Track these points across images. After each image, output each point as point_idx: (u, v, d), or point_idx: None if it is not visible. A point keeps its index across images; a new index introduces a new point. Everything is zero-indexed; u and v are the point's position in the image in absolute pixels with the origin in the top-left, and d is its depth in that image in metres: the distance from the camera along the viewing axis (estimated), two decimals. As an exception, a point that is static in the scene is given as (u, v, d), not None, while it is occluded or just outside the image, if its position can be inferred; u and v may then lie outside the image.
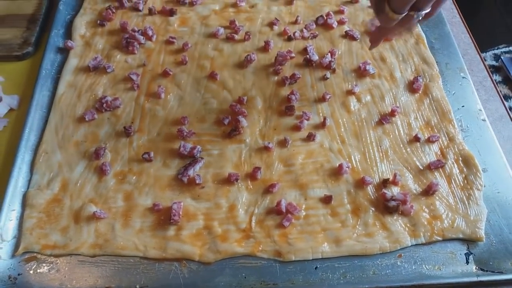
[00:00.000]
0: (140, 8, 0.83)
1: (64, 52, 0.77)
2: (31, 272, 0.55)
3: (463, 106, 0.72)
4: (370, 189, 0.63)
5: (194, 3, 0.84)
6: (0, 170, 0.63)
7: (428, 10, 0.54)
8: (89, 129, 0.68)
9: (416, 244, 0.59)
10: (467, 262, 0.58)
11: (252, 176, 0.63)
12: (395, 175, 0.63)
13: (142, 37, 0.78)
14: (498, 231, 0.60)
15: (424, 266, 0.57)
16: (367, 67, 0.75)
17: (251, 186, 0.63)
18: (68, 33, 0.79)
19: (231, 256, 0.57)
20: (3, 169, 0.63)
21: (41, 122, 0.68)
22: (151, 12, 0.82)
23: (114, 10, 0.82)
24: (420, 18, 0.55)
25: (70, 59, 0.75)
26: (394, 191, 0.62)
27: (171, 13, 0.82)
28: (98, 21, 0.80)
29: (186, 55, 0.77)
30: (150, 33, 0.78)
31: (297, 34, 0.80)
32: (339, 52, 0.78)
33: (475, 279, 0.56)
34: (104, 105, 0.69)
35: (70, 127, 0.68)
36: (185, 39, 0.79)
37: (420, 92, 0.74)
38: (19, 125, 0.67)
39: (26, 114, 0.68)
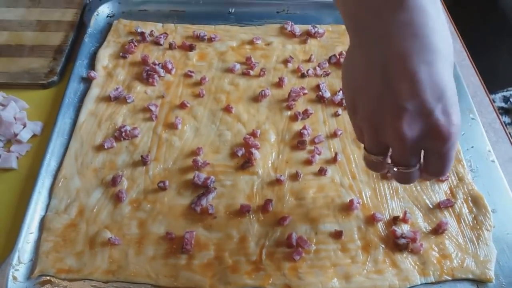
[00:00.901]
0: (161, 42, 0.87)
1: (87, 82, 0.80)
2: (45, 295, 0.56)
3: (472, 147, 0.73)
4: (380, 225, 0.64)
5: (213, 39, 0.88)
6: (21, 194, 0.65)
7: (410, 169, 0.44)
8: (107, 156, 0.70)
9: (425, 283, 0.59)
10: (477, 304, 0.58)
11: (263, 208, 0.65)
12: (405, 213, 0.64)
13: (162, 70, 0.81)
14: (507, 273, 0.60)
15: (433, 305, 0.57)
16: (378, 106, 0.77)
17: (263, 218, 0.64)
18: (91, 64, 0.83)
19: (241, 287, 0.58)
20: (24, 193, 0.65)
21: (62, 148, 0.71)
22: (171, 46, 0.86)
23: (136, 44, 0.86)
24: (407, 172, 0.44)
25: (92, 89, 0.78)
26: (404, 228, 0.63)
27: (191, 48, 0.86)
28: (121, 54, 0.84)
29: (203, 88, 0.80)
30: (169, 66, 0.82)
31: (310, 72, 0.83)
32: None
33: (485, 321, 0.56)
34: (123, 134, 0.72)
35: (89, 154, 0.70)
36: (203, 73, 0.82)
37: (430, 131, 0.75)
38: (41, 150, 0.69)
39: (48, 140, 0.70)
